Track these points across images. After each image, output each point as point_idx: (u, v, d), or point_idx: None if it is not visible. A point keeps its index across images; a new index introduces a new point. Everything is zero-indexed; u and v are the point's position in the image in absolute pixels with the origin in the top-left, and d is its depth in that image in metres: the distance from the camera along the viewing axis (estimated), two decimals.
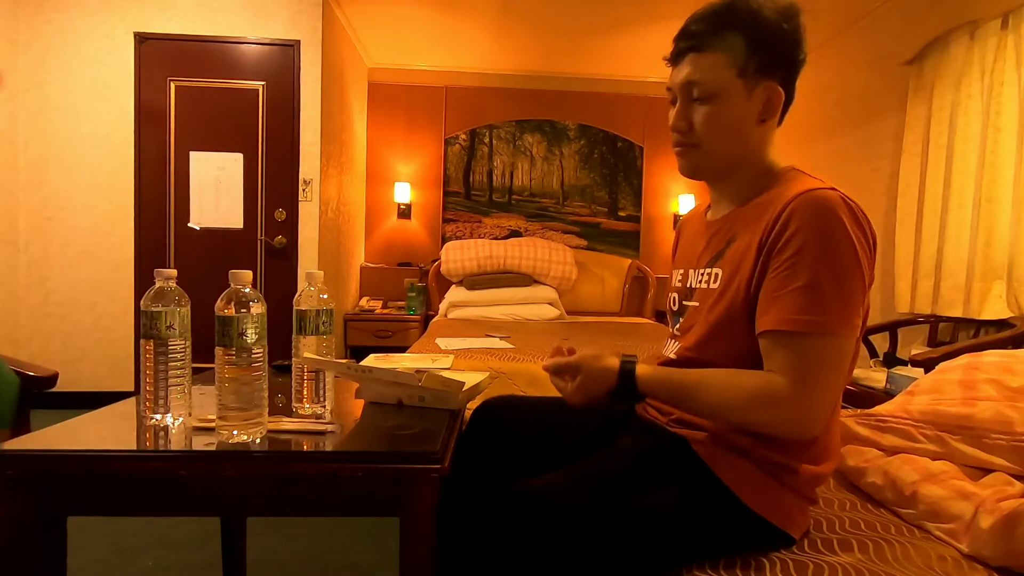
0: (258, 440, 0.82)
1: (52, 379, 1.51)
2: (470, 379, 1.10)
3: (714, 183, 0.98)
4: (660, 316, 4.11)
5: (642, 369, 0.89)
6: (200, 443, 0.82)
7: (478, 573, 0.84)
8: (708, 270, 0.93)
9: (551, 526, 0.82)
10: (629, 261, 4.35)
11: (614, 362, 0.90)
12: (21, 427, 1.43)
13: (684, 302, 0.99)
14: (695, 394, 0.86)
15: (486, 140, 4.45)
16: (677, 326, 1.00)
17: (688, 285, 0.98)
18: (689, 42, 0.89)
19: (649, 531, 0.83)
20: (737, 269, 0.87)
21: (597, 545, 0.83)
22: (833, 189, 0.81)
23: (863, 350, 2.67)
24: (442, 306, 3.89)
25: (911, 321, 2.72)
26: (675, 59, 0.91)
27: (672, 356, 0.98)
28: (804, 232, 0.79)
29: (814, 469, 0.86)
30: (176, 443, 0.83)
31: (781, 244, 0.81)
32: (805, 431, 0.81)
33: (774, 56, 0.87)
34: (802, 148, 4.04)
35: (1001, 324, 2.36)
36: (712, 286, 0.92)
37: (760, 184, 0.91)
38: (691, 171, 0.95)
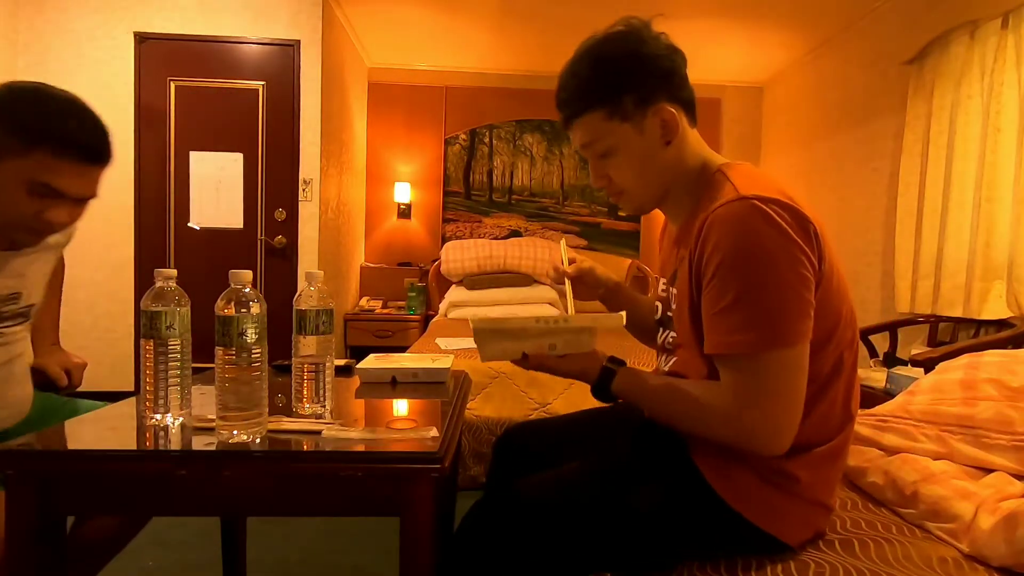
0: (258, 440, 0.82)
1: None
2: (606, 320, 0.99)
3: (660, 208, 0.98)
4: None
5: (622, 374, 0.90)
6: (200, 443, 0.82)
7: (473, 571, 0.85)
8: (672, 290, 0.94)
9: (538, 523, 0.84)
10: (629, 261, 4.35)
11: (600, 359, 0.92)
12: None
13: (669, 314, 0.98)
14: (656, 405, 0.89)
15: (486, 140, 4.45)
16: (668, 338, 0.99)
17: (668, 298, 0.98)
18: (564, 111, 0.92)
19: (639, 531, 0.84)
20: (683, 293, 0.87)
21: (584, 542, 0.84)
22: (742, 199, 0.77)
23: (863, 350, 2.67)
24: (442, 306, 3.89)
25: (911, 321, 2.72)
26: (564, 126, 0.94)
27: (666, 370, 0.98)
28: (719, 250, 0.77)
29: (816, 474, 0.84)
30: (176, 443, 0.83)
31: (703, 265, 0.80)
32: (763, 447, 0.79)
33: (645, 85, 0.86)
34: (802, 148, 4.03)
35: (1001, 324, 2.36)
36: (674, 306, 0.93)
37: (697, 190, 0.90)
38: (634, 211, 0.98)
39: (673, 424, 0.87)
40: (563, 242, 1.18)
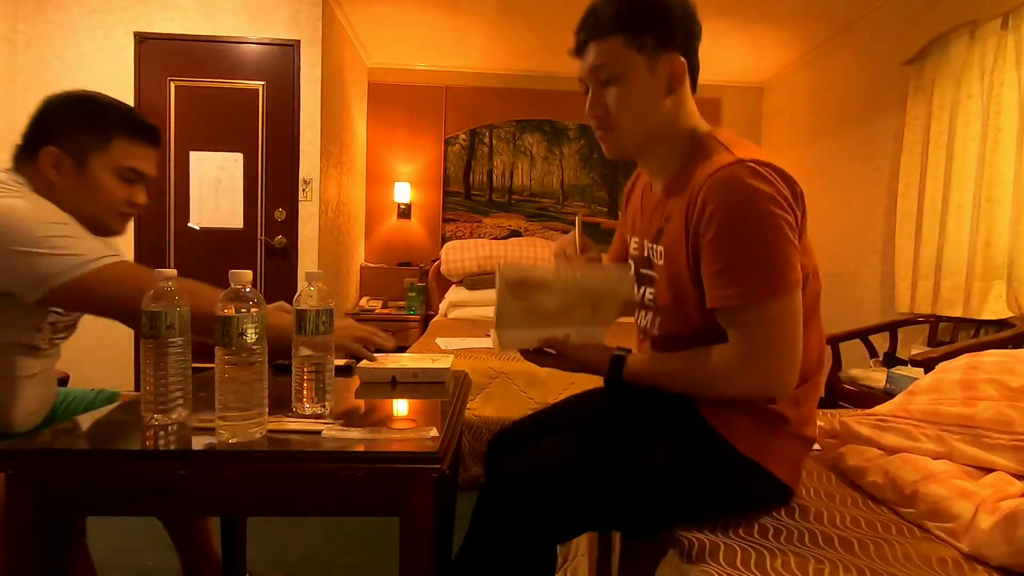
0: (258, 440, 0.82)
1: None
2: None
3: (641, 159, 1.02)
4: None
5: (632, 359, 0.98)
6: (200, 443, 0.82)
7: (480, 552, 0.88)
8: (656, 247, 0.98)
9: (550, 491, 0.86)
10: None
11: (610, 350, 0.99)
12: None
13: (643, 271, 1.03)
14: (669, 381, 0.95)
15: (486, 140, 4.45)
16: (646, 295, 1.04)
17: (645, 255, 1.03)
18: (589, 32, 0.94)
19: (645, 491, 0.89)
20: (675, 249, 0.92)
21: (593, 507, 0.88)
22: (740, 162, 0.84)
23: (863, 350, 2.67)
24: (442, 306, 3.89)
25: (911, 321, 2.72)
26: (579, 50, 0.96)
27: (656, 333, 1.02)
28: (720, 211, 0.84)
29: (799, 411, 0.94)
30: (176, 443, 0.83)
31: (703, 227, 0.86)
32: (774, 393, 0.88)
33: (670, 29, 0.92)
34: (802, 148, 4.03)
35: (1001, 324, 2.36)
36: (659, 262, 0.97)
37: (684, 153, 0.95)
38: (615, 152, 1.00)
39: (690, 392, 0.94)
40: (578, 220, 1.16)
